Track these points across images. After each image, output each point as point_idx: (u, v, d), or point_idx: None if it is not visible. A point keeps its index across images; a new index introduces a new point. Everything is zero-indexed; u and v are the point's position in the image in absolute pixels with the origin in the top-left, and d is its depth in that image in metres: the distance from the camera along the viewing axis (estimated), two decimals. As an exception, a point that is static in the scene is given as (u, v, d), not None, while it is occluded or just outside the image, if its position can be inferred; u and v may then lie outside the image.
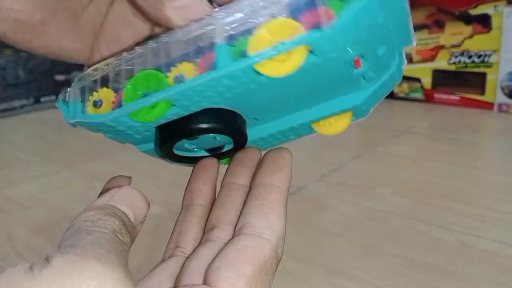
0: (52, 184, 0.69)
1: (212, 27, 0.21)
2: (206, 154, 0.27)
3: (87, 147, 0.86)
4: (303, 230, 0.51)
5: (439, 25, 1.08)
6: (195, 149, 0.27)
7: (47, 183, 0.69)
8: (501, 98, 1.01)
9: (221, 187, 0.25)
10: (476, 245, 0.47)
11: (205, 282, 0.18)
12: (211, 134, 0.25)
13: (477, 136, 0.91)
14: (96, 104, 0.23)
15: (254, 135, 0.26)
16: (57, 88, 1.24)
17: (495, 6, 1.00)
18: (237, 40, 0.20)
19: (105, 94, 0.23)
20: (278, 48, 0.19)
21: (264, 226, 0.20)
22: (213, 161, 0.26)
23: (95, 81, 0.24)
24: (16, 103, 1.17)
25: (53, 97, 1.23)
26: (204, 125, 0.23)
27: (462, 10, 1.04)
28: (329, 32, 0.19)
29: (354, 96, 0.24)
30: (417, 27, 1.10)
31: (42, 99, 1.21)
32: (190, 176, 0.26)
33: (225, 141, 0.26)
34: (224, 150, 0.27)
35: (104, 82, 0.24)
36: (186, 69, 0.21)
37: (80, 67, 0.27)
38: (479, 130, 0.96)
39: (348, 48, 0.20)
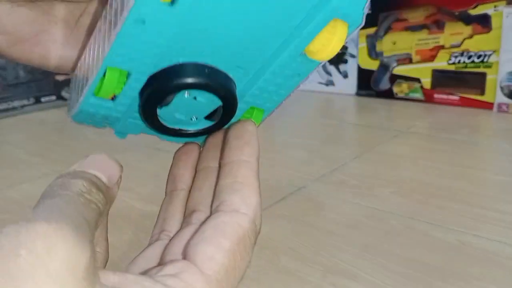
0: (52, 184, 0.69)
1: None
2: (207, 123, 0.25)
3: (87, 147, 0.86)
4: (303, 230, 0.51)
5: (439, 25, 1.08)
6: (193, 119, 0.25)
7: (47, 183, 0.69)
8: (500, 98, 1.01)
9: (196, 172, 0.25)
10: (476, 245, 0.47)
11: (184, 258, 0.19)
12: (188, 96, 0.22)
13: (477, 136, 0.91)
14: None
15: (249, 87, 0.24)
16: (57, 88, 1.24)
17: (495, 6, 1.00)
18: None
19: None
20: None
21: (239, 202, 0.20)
22: (193, 145, 0.26)
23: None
24: (16, 103, 1.17)
25: (53, 97, 1.23)
26: (176, 82, 0.21)
27: (461, 10, 1.04)
28: None
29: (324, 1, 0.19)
30: (417, 27, 1.10)
31: (43, 99, 1.21)
32: (172, 162, 0.26)
33: (207, 101, 0.23)
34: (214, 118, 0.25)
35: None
36: None
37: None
38: (479, 130, 0.96)
39: None
